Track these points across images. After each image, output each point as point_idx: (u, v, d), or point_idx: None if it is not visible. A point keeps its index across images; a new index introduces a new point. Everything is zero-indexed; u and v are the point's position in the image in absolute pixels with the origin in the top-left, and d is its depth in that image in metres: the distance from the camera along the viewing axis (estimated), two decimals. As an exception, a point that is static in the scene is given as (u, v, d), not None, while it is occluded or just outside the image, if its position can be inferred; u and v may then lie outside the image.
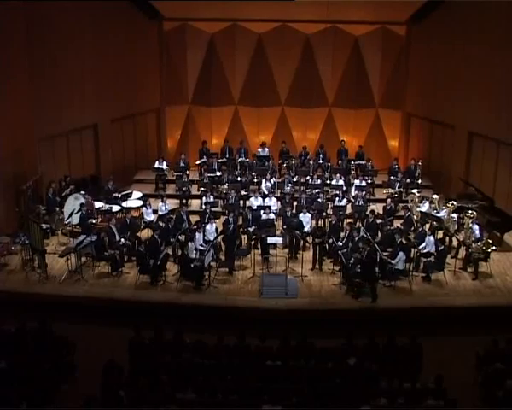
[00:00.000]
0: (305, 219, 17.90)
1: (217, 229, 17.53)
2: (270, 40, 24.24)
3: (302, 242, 17.59)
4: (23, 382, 11.31)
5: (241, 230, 17.77)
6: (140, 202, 19.34)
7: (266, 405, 10.72)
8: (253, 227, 17.78)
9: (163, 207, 18.72)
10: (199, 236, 16.87)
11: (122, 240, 16.92)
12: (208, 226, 17.38)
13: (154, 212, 18.95)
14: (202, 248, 16.51)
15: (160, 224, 17.68)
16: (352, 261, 15.80)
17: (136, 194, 20.13)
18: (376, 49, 24.18)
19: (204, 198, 19.48)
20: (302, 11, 22.43)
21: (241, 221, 18.41)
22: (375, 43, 24.14)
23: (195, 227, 17.22)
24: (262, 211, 18.17)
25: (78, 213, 17.68)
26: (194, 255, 16.16)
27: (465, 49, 21.02)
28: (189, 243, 16.46)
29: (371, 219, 17.68)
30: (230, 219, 17.44)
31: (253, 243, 17.73)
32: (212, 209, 18.54)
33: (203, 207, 18.89)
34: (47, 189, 18.76)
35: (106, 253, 16.40)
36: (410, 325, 14.05)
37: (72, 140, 21.21)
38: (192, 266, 15.87)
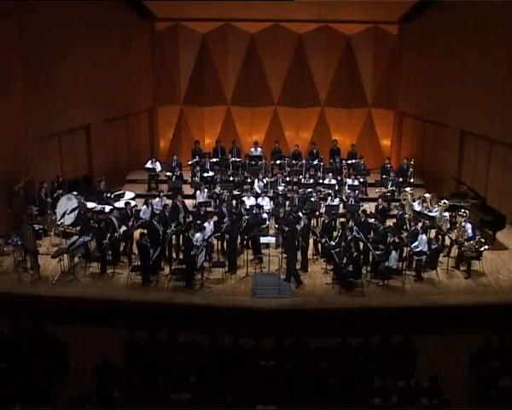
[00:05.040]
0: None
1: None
2: (263, 40, 24.28)
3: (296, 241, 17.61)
4: (17, 382, 11.30)
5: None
6: (133, 203, 19.20)
7: (260, 405, 10.73)
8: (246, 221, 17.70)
9: (159, 203, 18.73)
10: (200, 235, 16.84)
11: (121, 230, 16.85)
12: (206, 224, 17.31)
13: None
14: (199, 244, 16.48)
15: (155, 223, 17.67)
16: (344, 261, 15.86)
17: (129, 194, 20.09)
18: (369, 48, 24.26)
19: (198, 192, 19.44)
20: (294, 11, 22.47)
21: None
22: (368, 42, 24.21)
23: (198, 224, 17.17)
24: (254, 211, 18.18)
25: (72, 214, 17.62)
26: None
27: (457, 48, 21.09)
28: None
29: (363, 219, 17.66)
30: (226, 220, 17.43)
31: (245, 242, 17.74)
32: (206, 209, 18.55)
33: (196, 203, 18.83)
34: (39, 189, 18.70)
35: (104, 241, 16.29)
36: (404, 323, 14.07)
37: (64, 140, 21.15)
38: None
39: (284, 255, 17.05)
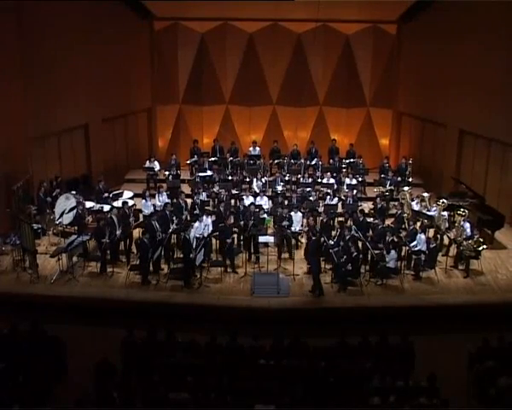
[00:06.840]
0: (297, 218, 17.90)
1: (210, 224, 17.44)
2: (261, 39, 24.25)
3: (294, 240, 17.61)
4: (15, 383, 11.27)
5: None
6: (131, 202, 19.22)
7: (259, 404, 10.72)
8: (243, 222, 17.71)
9: (161, 198, 18.80)
10: (198, 224, 16.89)
11: (119, 232, 16.83)
12: (204, 217, 17.30)
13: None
14: (198, 236, 16.50)
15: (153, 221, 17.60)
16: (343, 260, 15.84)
17: (128, 193, 20.07)
18: (367, 47, 24.22)
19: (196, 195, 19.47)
20: (293, 10, 22.44)
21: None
22: (366, 41, 24.18)
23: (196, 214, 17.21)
24: (253, 210, 18.14)
25: (70, 213, 17.62)
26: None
27: (456, 47, 21.09)
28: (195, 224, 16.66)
29: (361, 219, 17.62)
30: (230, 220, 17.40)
31: (242, 242, 17.71)
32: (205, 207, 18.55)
33: (194, 198, 18.89)
34: (38, 189, 18.69)
35: (103, 239, 16.30)
36: (402, 323, 14.08)
37: (63, 140, 21.15)
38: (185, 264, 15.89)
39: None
